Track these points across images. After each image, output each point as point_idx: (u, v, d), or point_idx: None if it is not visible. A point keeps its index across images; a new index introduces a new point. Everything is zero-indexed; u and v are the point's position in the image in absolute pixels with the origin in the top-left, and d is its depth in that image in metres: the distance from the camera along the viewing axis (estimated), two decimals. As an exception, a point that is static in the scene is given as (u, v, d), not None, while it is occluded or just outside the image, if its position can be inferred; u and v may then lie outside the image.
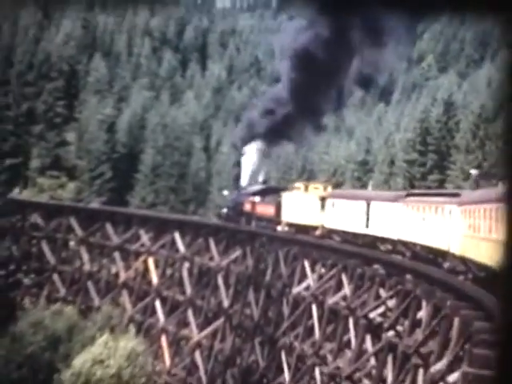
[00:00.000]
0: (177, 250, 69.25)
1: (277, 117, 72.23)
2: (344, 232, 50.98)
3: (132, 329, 59.99)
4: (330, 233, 53.38)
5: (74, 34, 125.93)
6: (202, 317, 64.82)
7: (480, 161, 67.65)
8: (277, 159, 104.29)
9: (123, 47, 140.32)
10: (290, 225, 58.62)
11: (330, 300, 47.77)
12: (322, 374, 46.87)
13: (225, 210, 71.71)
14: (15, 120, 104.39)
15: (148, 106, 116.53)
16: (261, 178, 76.06)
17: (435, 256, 37.57)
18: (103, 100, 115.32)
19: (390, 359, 37.91)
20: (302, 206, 56.57)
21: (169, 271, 70.74)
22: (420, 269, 37.04)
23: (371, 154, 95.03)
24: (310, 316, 50.16)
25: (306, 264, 52.46)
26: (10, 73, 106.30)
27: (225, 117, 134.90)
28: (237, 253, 62.80)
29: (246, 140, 76.43)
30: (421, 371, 32.79)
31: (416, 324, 35.60)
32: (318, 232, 54.56)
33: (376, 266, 43.68)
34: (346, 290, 46.48)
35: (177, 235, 69.42)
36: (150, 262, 72.18)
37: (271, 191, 64.94)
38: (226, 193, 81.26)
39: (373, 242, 47.40)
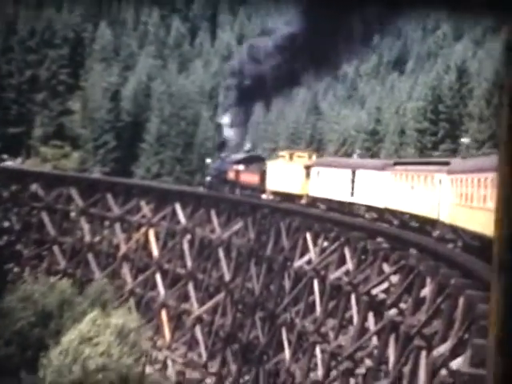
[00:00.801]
0: (178, 222, 66.98)
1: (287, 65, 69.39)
2: (329, 200, 50.40)
3: (127, 304, 57.87)
4: (315, 201, 52.78)
5: (80, 1, 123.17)
6: (203, 291, 62.65)
7: (494, 129, 64.74)
8: (286, 128, 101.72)
9: (130, 15, 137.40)
10: (275, 193, 58.16)
11: (332, 275, 45.37)
12: (322, 352, 44.58)
13: (208, 179, 71.10)
14: (18, 88, 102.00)
15: (154, 74, 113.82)
16: (246, 147, 75.08)
17: (424, 224, 37.16)
18: (109, 68, 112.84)
19: (392, 339, 35.51)
20: (286, 175, 56.25)
21: (170, 243, 68.46)
22: (424, 243, 34.53)
23: (382, 123, 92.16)
24: (312, 291, 47.78)
25: (308, 237, 50.01)
26: (13, 40, 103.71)
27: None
28: (238, 225, 60.45)
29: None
30: (423, 353, 30.37)
31: (420, 302, 33.13)
32: (303, 200, 54.13)
33: (380, 239, 41.23)
34: (349, 264, 44.06)
35: (178, 206, 67.14)
36: (151, 233, 69.99)
37: (255, 160, 64.41)
38: (208, 161, 79.84)
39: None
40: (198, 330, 61.53)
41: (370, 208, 45.42)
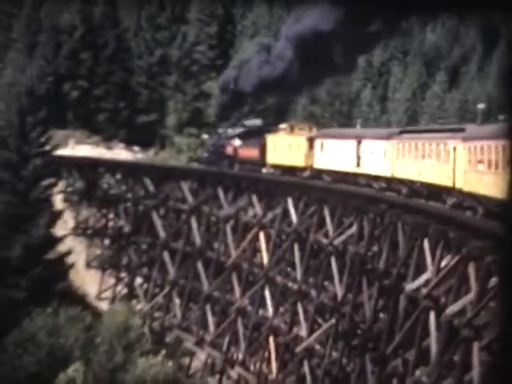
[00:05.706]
0: (289, 223, 52.09)
1: None
2: (335, 172, 50.09)
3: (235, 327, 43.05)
4: (319, 173, 52.34)
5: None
6: (314, 314, 47.40)
7: None
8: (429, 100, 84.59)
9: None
10: (276, 167, 57.98)
11: (452, 307, 29.10)
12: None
13: (205, 155, 70.19)
14: (148, 70, 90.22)
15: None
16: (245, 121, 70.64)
17: (437, 193, 36.31)
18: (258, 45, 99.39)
19: None
20: (289, 148, 56.00)
21: (280, 250, 53.69)
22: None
23: None
24: (426, 329, 31.58)
25: (426, 247, 33.75)
26: (141, 17, 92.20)
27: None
28: (353, 227, 44.73)
29: None
30: None
31: None
32: (306, 173, 53.82)
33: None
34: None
35: (290, 202, 52.21)
36: (261, 237, 55.52)
37: (253, 133, 63.11)
38: (205, 136, 75.25)
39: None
40: (306, 367, 46.25)
41: (377, 177, 44.40)
